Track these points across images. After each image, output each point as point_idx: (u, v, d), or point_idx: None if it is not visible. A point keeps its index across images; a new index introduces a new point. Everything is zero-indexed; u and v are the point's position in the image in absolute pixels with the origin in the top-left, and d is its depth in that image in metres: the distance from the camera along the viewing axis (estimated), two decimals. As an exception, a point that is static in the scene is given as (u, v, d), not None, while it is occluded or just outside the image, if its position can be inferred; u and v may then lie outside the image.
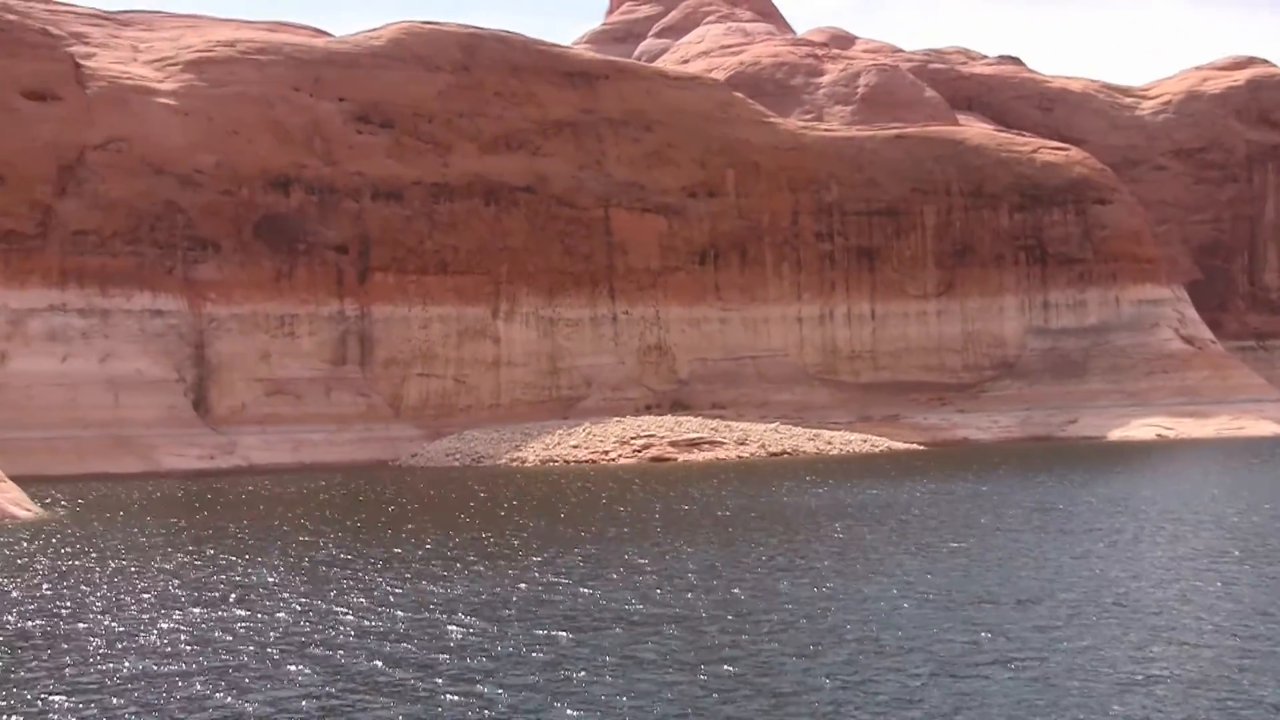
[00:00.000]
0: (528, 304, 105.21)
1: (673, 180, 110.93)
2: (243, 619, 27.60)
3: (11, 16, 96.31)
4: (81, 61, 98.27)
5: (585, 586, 31.10)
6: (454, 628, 26.27)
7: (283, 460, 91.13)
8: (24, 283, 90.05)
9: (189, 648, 24.81)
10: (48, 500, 59.33)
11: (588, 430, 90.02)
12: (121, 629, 26.69)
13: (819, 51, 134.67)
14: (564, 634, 25.29)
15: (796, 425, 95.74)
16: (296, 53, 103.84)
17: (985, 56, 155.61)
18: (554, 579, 32.42)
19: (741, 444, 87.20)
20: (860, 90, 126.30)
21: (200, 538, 43.41)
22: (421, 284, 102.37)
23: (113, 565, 36.43)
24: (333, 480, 75.48)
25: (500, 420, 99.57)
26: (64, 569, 35.73)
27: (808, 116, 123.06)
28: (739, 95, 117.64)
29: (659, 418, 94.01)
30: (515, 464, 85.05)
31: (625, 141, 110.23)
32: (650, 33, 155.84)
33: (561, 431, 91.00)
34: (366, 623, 26.98)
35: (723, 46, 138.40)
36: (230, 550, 39.47)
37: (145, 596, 30.79)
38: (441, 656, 23.71)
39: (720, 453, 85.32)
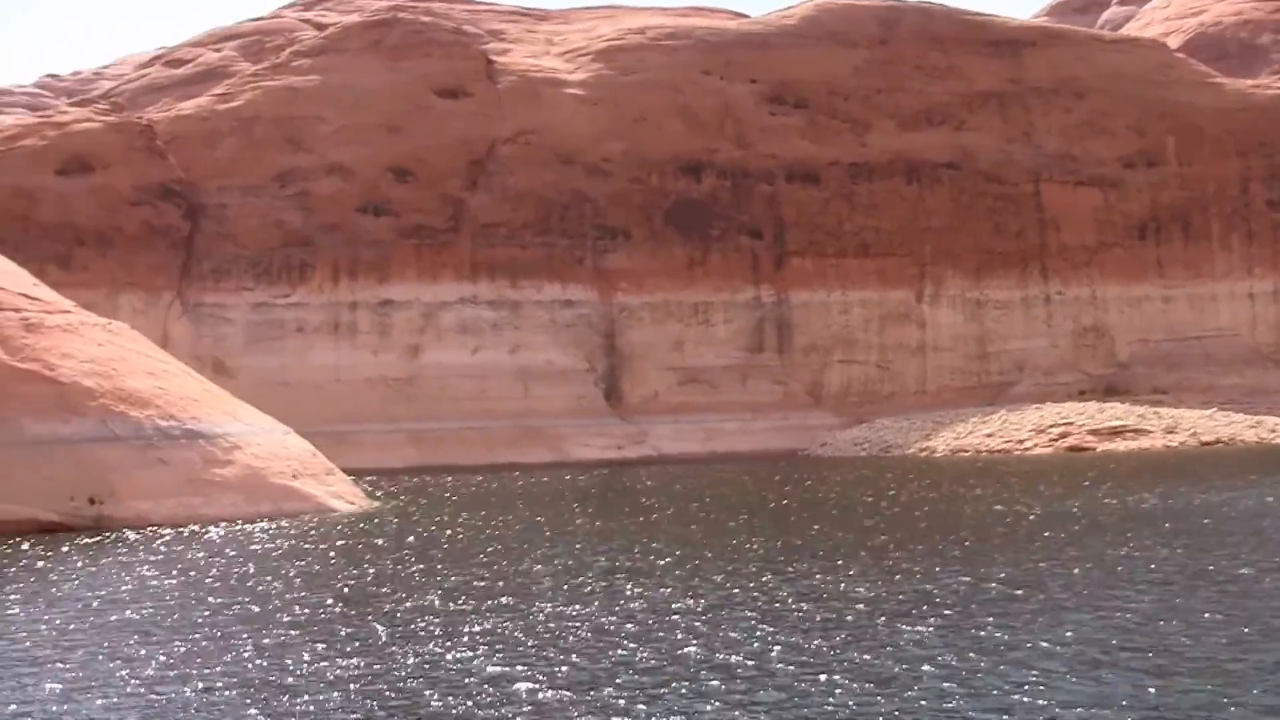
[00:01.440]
0: (954, 285, 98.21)
1: (1108, 150, 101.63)
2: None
3: (426, 19, 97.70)
4: (494, 58, 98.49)
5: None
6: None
7: (693, 450, 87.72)
8: (436, 276, 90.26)
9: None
10: (390, 491, 57.26)
11: (1002, 418, 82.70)
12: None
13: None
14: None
15: (1243, 411, 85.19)
16: (707, 36, 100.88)
17: None
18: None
19: (1170, 432, 77.82)
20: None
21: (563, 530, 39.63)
22: (841, 267, 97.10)
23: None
24: (742, 469, 71.53)
25: (926, 408, 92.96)
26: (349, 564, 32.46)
27: (1278, 77, 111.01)
28: (1180, 56, 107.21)
29: (1080, 404, 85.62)
30: (924, 454, 78.72)
31: (1056, 111, 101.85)
32: (1114, 1, 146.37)
33: (975, 419, 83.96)
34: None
35: (1185, 7, 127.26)
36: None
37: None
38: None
39: (1145, 442, 76.35)
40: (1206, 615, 22.51)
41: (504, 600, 25.58)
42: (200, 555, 34.05)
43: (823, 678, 18.48)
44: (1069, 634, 21.07)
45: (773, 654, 20.10)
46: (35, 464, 40.72)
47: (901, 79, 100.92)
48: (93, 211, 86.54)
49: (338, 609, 25.23)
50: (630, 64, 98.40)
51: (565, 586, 27.08)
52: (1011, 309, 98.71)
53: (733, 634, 21.64)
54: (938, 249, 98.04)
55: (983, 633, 21.37)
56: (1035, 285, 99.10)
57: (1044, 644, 20.33)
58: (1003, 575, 27.40)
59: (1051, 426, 79.04)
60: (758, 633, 21.71)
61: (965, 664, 19.13)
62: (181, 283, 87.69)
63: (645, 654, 20.25)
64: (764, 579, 27.48)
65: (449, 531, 38.66)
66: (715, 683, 18.38)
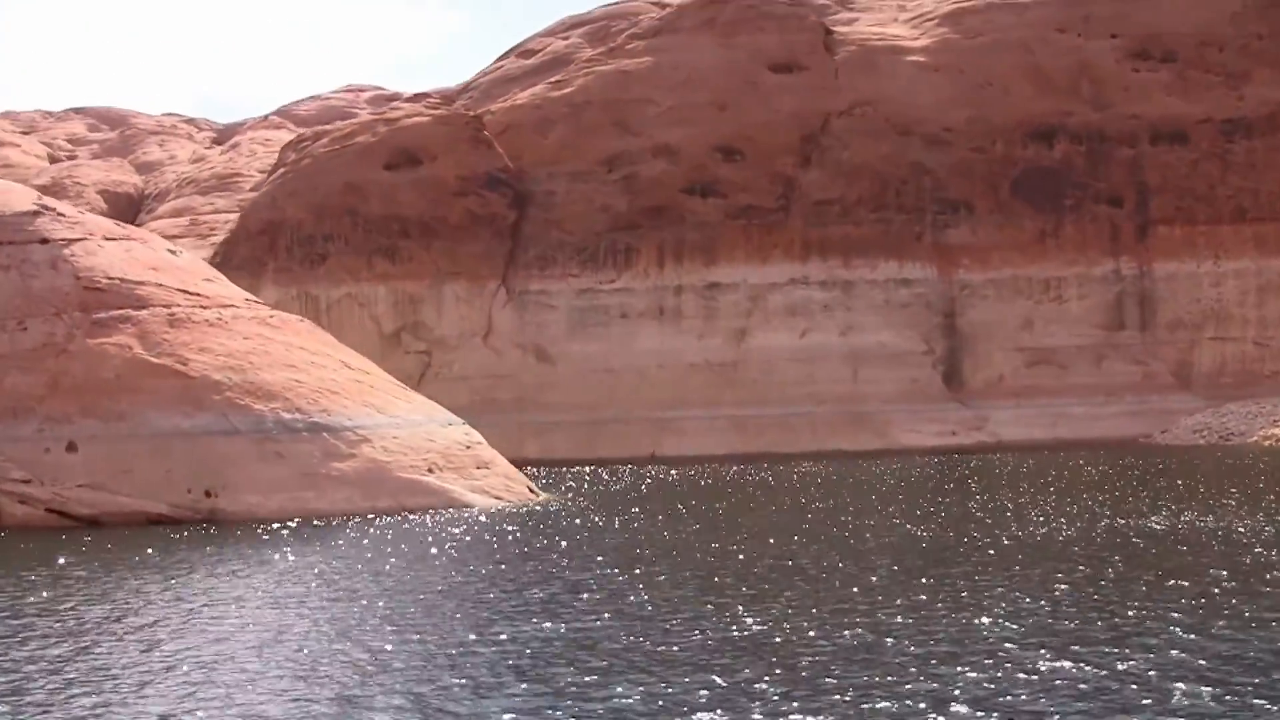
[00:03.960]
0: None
1: None
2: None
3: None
4: (835, 28, 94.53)
5: None
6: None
7: (1036, 436, 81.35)
8: (765, 257, 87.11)
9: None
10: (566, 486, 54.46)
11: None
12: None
13: None
14: None
15: None
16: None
17: None
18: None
19: None
20: None
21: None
22: (1213, 235, 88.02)
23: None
24: (1073, 458, 65.58)
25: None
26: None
27: None
28: None
29: None
30: (1270, 442, 69.95)
31: None
32: None
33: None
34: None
35: None
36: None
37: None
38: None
39: None
40: None
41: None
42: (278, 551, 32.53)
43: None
44: None
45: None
46: (157, 457, 40.46)
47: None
48: (418, 203, 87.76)
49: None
50: (978, 25, 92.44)
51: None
52: None
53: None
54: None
55: None
56: None
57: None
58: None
59: None
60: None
61: None
62: (507, 271, 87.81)
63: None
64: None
65: (588, 533, 35.53)
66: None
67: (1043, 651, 17.16)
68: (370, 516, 40.18)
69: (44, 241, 44.99)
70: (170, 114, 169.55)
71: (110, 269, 44.88)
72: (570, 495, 49.69)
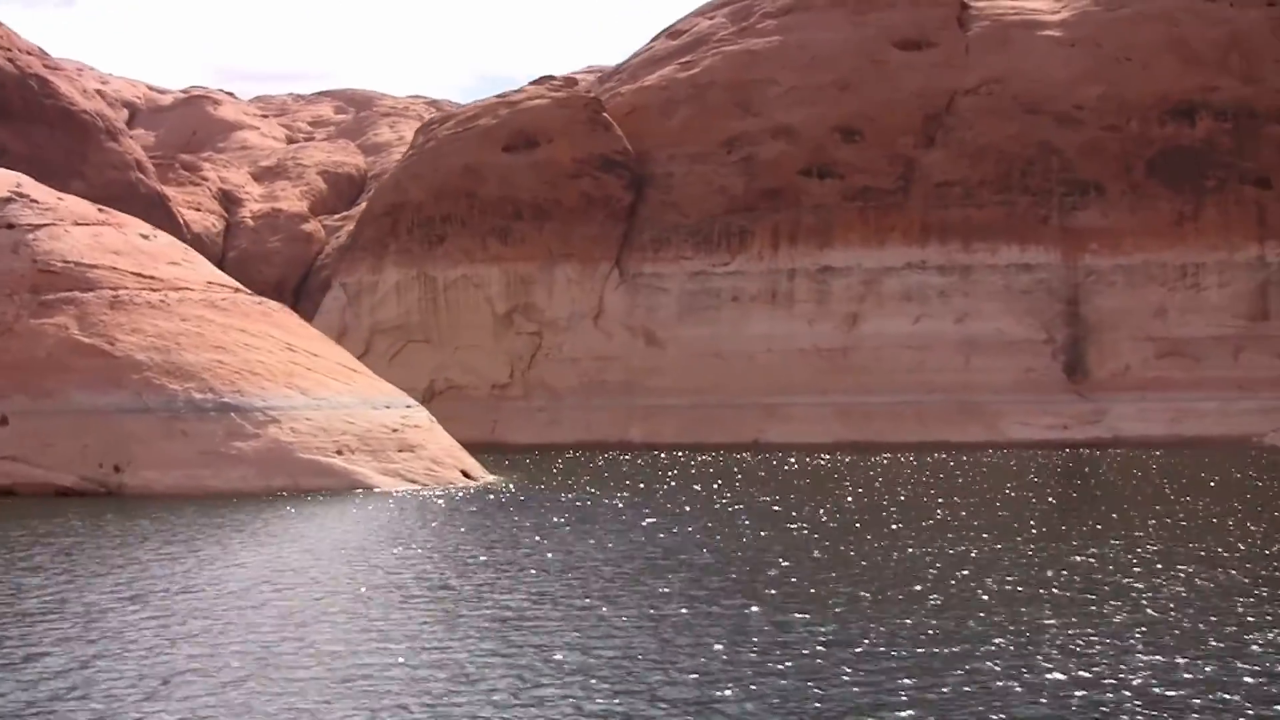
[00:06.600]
0: None
1: None
2: None
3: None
4: (969, 2, 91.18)
5: None
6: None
7: (1155, 433, 77.04)
8: (882, 241, 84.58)
9: None
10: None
11: None
12: None
13: None
14: None
15: None
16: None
17: None
18: None
19: None
20: None
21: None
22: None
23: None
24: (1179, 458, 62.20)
25: None
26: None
27: None
28: None
29: None
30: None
31: None
32: None
33: None
34: None
35: None
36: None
37: None
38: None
39: None
40: None
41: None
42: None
43: None
44: None
45: None
46: (75, 433, 41.78)
47: None
48: (533, 185, 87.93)
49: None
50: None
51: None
52: None
53: None
54: None
55: None
56: None
57: None
58: None
59: None
60: None
61: None
62: (620, 253, 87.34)
63: None
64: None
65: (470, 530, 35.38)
66: None
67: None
68: (267, 498, 40.76)
69: (10, 226, 46.65)
70: (416, 96, 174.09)
71: (69, 253, 46.37)
72: (529, 480, 49.62)
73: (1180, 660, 18.86)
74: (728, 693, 17.37)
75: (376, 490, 43.12)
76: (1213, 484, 49.09)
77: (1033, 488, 49.45)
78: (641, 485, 49.45)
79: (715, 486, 48.41)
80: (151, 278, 46.42)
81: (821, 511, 39.10)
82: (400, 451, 45.49)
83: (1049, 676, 18.01)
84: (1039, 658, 19.10)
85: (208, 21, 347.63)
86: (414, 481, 44.68)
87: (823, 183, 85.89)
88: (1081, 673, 18.24)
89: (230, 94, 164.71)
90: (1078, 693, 17.22)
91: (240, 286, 55.59)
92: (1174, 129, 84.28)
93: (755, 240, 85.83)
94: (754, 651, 19.71)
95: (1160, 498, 43.61)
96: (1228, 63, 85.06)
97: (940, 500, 42.41)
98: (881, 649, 19.81)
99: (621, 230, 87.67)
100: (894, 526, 35.28)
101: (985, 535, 32.98)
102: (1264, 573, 26.83)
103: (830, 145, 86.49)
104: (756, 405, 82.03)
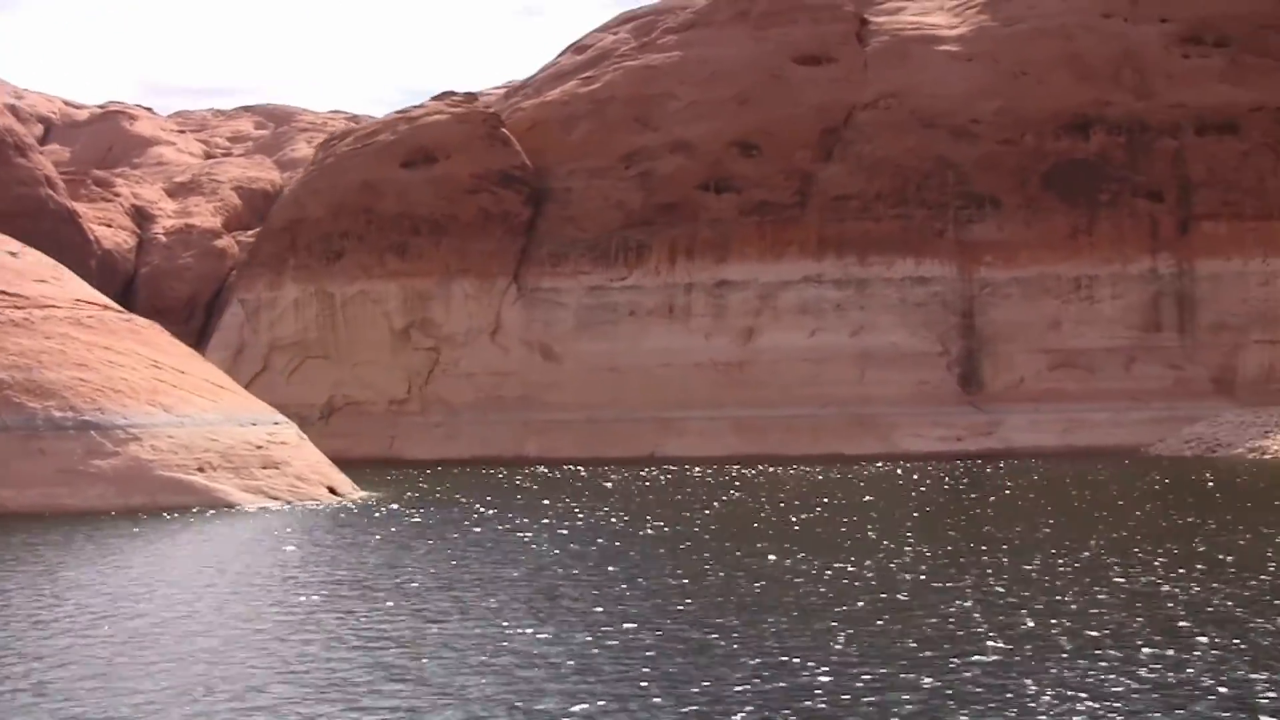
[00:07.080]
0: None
1: None
2: None
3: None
4: (873, 18, 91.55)
5: None
6: None
7: (1047, 443, 77.37)
8: (779, 255, 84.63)
9: None
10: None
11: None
12: None
13: None
14: None
15: None
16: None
17: None
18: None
19: None
20: None
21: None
22: (1263, 231, 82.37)
23: None
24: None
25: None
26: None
27: None
28: None
29: None
30: (1254, 455, 65.18)
31: None
32: None
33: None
34: None
35: None
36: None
37: None
38: None
39: None
40: None
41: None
42: None
43: None
44: None
45: None
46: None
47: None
48: (431, 201, 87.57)
49: None
50: (1018, 12, 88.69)
51: None
52: None
53: None
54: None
55: None
56: None
57: None
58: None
59: None
60: None
61: None
62: (518, 268, 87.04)
63: None
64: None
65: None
66: None
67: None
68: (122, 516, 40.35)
69: (-123, 245, 45.99)
70: (336, 111, 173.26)
71: (-69, 272, 45.71)
72: (411, 495, 49.37)
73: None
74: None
75: (237, 508, 42.75)
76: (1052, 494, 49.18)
77: (891, 497, 49.40)
78: (518, 499, 49.31)
79: (579, 501, 48.14)
80: (16, 295, 46.17)
81: (672, 525, 38.89)
82: (264, 468, 45.20)
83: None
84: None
85: (132, 36, 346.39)
86: (276, 498, 44.37)
87: (720, 197, 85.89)
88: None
89: (149, 109, 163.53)
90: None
91: (110, 304, 54.98)
92: (1069, 143, 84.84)
93: (652, 255, 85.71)
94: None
95: (975, 506, 43.64)
96: (1121, 78, 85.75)
97: (802, 514, 42.28)
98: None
99: (520, 245, 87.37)
100: (727, 543, 35.09)
101: (810, 546, 32.87)
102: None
103: (728, 160, 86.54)
104: (653, 419, 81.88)
